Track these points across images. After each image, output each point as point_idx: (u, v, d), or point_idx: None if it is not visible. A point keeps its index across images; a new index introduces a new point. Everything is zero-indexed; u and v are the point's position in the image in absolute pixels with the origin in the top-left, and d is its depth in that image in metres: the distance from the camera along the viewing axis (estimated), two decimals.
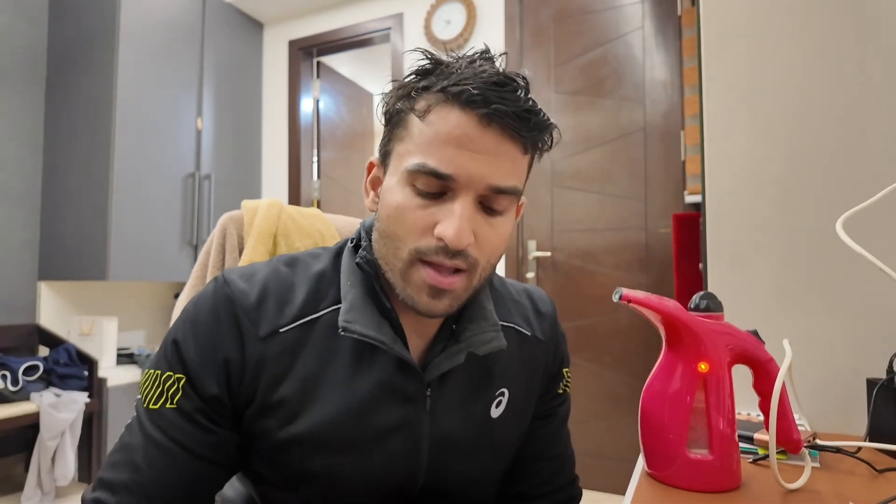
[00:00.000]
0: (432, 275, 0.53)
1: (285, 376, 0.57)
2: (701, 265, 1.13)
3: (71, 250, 2.66)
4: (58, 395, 2.30)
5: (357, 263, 0.61)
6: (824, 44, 0.95)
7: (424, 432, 0.60)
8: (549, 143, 0.58)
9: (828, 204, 0.92)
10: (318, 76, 3.45)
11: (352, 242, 0.64)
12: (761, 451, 0.72)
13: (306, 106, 3.38)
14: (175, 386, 0.56)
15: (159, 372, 0.57)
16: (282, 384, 0.57)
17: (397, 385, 0.59)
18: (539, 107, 0.55)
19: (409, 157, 0.54)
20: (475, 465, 0.64)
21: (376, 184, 0.61)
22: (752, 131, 0.99)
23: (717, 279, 0.99)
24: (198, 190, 2.93)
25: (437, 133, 0.52)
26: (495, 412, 0.65)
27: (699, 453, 0.62)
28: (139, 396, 0.58)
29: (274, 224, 0.98)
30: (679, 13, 2.21)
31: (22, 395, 2.25)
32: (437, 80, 0.54)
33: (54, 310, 2.78)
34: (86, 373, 2.46)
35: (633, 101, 2.42)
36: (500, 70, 0.54)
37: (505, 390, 0.66)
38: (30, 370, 2.33)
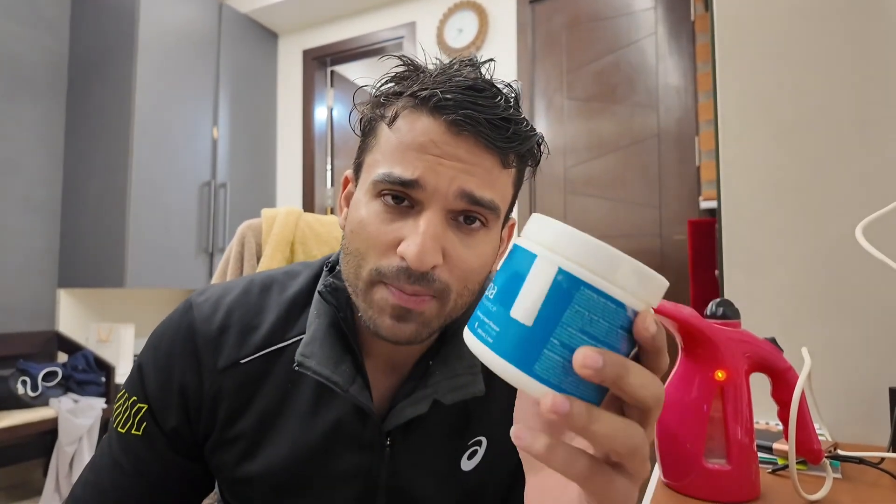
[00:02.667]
0: (396, 293, 0.47)
1: (244, 410, 0.54)
2: (717, 272, 1.12)
3: (89, 258, 2.70)
4: (76, 401, 2.33)
5: (319, 292, 0.56)
6: (840, 47, 0.94)
7: (381, 485, 0.54)
8: (536, 157, 0.53)
9: (846, 209, 0.91)
10: (331, 85, 3.48)
11: (327, 266, 0.59)
12: (780, 462, 0.71)
13: (320, 114, 3.41)
14: (140, 414, 0.55)
15: (127, 395, 0.56)
16: (240, 419, 0.55)
17: (353, 430, 0.54)
18: (522, 116, 0.50)
19: (376, 167, 0.49)
20: None
21: (350, 199, 0.56)
22: (768, 136, 0.98)
23: (734, 286, 0.98)
24: (214, 198, 2.96)
25: (403, 140, 0.48)
26: (467, 464, 0.57)
27: (717, 463, 0.61)
28: (112, 416, 0.58)
29: (291, 232, 0.99)
30: (692, 19, 2.20)
31: (41, 401, 2.29)
32: (408, 86, 0.50)
33: (73, 317, 2.81)
34: (103, 379, 2.49)
35: (647, 107, 2.41)
36: (481, 76, 0.50)
37: (482, 438, 0.58)
38: (49, 376, 2.36)
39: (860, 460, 0.72)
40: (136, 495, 0.55)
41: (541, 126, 2.64)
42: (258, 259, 0.98)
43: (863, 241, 0.69)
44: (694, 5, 2.14)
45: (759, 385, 0.66)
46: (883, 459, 0.72)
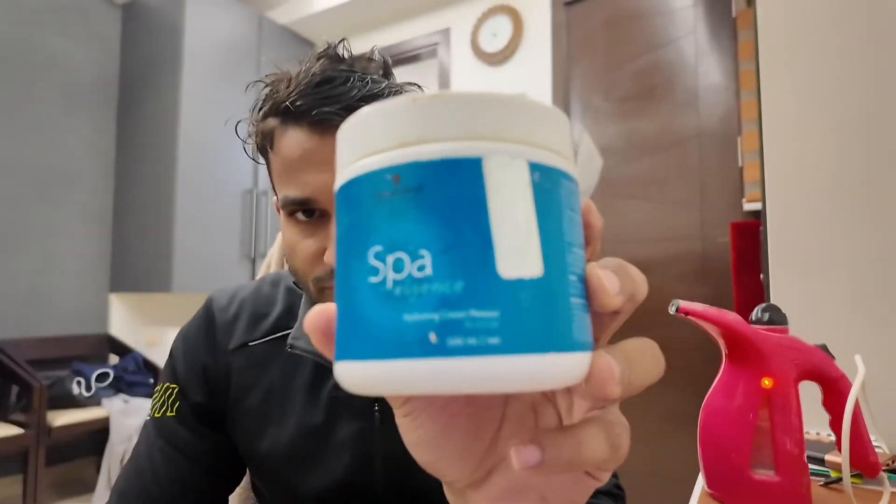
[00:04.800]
0: None
1: (252, 388, 0.60)
2: (762, 276, 1.09)
3: (138, 264, 2.80)
4: (126, 402, 2.42)
5: (294, 282, 0.62)
6: (895, 37, 0.90)
7: (376, 450, 0.57)
8: None
9: None
10: None
11: None
12: (833, 474, 0.68)
13: None
14: (172, 395, 0.60)
15: (161, 383, 0.62)
16: (248, 396, 0.60)
17: (346, 401, 0.58)
18: (384, 85, 0.51)
19: (278, 191, 0.53)
20: (436, 484, 0.57)
21: None
22: (817, 134, 0.95)
23: (781, 290, 0.94)
24: (256, 205, 3.03)
25: (285, 159, 0.51)
26: None
27: (765, 474, 0.59)
28: (150, 409, 0.63)
29: None
30: (734, 15, 2.15)
31: (94, 401, 2.38)
32: (271, 104, 0.52)
33: (123, 320, 2.92)
34: (151, 380, 2.58)
35: (687, 107, 2.35)
36: (331, 63, 0.52)
37: None
38: (101, 377, 2.46)
39: None
40: (174, 471, 0.58)
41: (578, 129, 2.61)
42: None
43: None
44: (735, 1, 2.08)
45: (809, 394, 0.63)
46: None
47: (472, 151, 0.17)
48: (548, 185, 0.18)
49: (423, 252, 0.17)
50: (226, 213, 2.90)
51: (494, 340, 0.16)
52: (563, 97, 2.62)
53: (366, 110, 0.19)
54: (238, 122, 0.61)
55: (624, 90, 2.51)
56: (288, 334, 0.60)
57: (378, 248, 0.18)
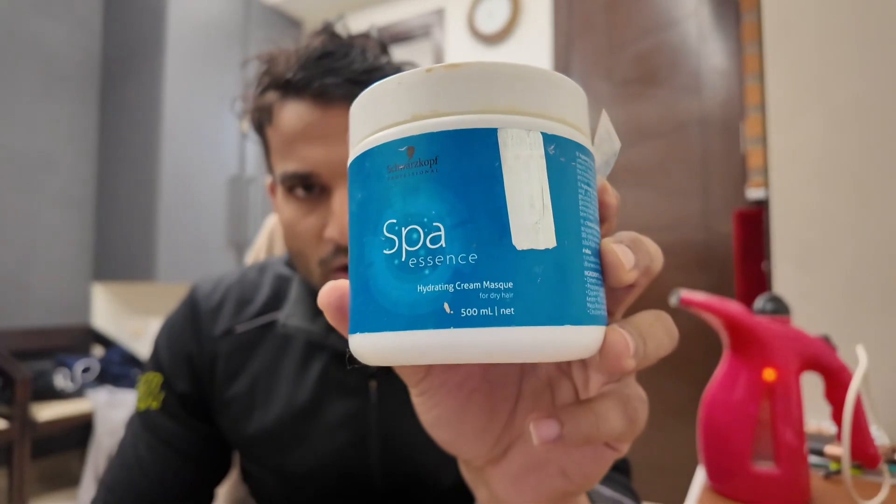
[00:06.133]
0: (344, 272, 0.51)
1: (238, 374, 0.58)
2: (764, 265, 1.08)
3: (122, 252, 2.75)
4: (111, 394, 2.39)
5: (286, 263, 0.62)
6: None
7: (372, 430, 0.56)
8: None
9: None
10: None
11: None
12: (833, 466, 0.67)
13: None
14: (157, 386, 0.59)
15: (145, 374, 0.61)
16: (234, 382, 0.58)
17: (339, 378, 0.56)
18: (385, 61, 0.52)
19: (276, 167, 0.52)
20: (434, 464, 0.55)
21: None
22: (822, 120, 0.93)
23: (784, 280, 0.93)
24: (243, 192, 2.99)
25: (285, 133, 0.50)
26: None
27: (765, 466, 0.58)
28: (135, 402, 0.62)
29: None
30: None
31: (79, 394, 2.35)
32: (269, 80, 0.52)
33: (107, 310, 2.88)
34: (137, 372, 2.54)
35: (690, 91, 2.31)
36: (330, 39, 0.51)
37: None
38: (86, 369, 2.42)
39: None
40: (161, 464, 0.57)
41: None
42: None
43: None
44: None
45: (811, 385, 0.62)
46: None
47: (486, 123, 0.18)
48: (563, 157, 0.18)
49: (438, 224, 0.17)
50: (212, 199, 2.85)
51: (508, 311, 0.17)
52: None
53: (379, 83, 0.19)
54: (233, 99, 0.60)
55: (625, 73, 2.46)
56: (274, 320, 0.59)
57: (392, 220, 0.18)
